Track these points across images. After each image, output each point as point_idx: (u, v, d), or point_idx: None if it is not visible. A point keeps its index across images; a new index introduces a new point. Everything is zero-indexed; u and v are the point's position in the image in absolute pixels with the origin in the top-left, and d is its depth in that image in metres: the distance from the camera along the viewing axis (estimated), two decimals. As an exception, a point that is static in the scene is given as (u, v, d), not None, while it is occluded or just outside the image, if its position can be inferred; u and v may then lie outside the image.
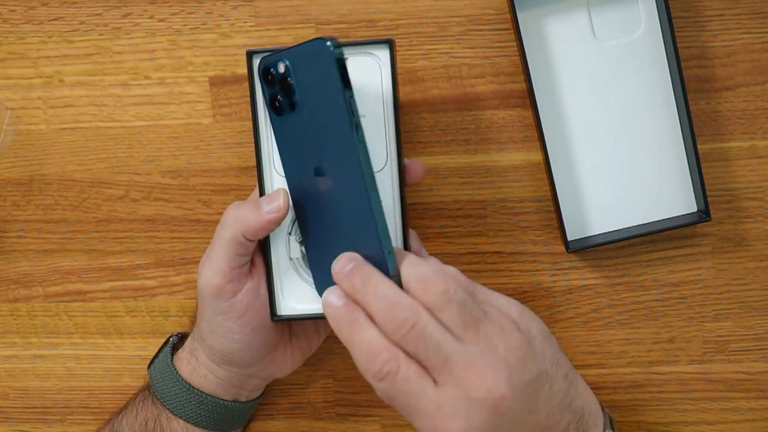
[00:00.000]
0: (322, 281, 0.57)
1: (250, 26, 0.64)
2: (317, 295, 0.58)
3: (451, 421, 0.51)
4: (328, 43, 0.52)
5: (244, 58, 0.64)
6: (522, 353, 0.53)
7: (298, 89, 0.54)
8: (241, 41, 0.65)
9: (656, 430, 0.68)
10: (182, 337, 0.66)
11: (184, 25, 0.65)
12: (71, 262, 0.68)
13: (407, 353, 0.52)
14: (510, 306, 0.55)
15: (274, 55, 0.55)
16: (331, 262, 0.55)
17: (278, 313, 0.60)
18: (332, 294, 0.54)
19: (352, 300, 0.54)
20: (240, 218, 0.57)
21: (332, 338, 0.68)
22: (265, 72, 0.56)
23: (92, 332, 0.68)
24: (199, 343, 0.62)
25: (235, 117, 0.66)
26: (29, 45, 0.65)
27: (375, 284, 0.53)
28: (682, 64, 0.62)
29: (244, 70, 0.64)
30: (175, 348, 0.64)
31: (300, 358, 0.64)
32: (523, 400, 0.52)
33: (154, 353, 0.66)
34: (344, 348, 0.68)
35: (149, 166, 0.66)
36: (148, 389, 0.64)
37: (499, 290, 0.56)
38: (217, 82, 0.65)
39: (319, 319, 0.58)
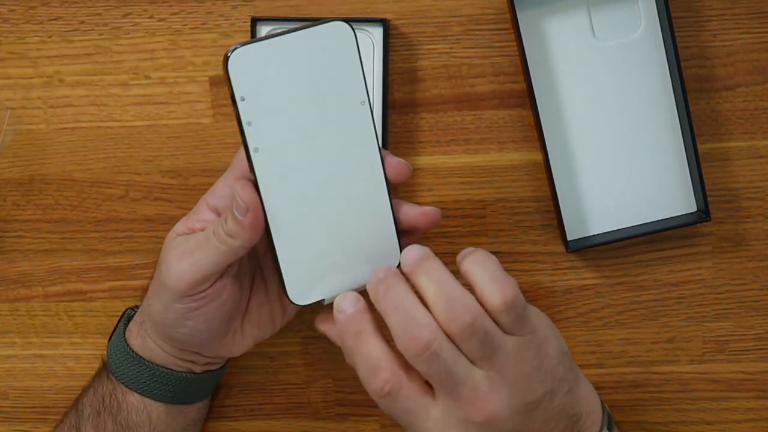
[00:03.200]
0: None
1: (250, 26, 0.64)
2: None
3: None
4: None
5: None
6: (531, 377, 0.52)
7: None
8: (241, 41, 0.64)
9: (656, 430, 0.68)
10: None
11: (184, 25, 0.65)
12: (71, 262, 0.68)
13: (414, 369, 0.52)
14: (538, 322, 0.54)
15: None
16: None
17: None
18: (344, 300, 0.53)
19: (372, 308, 0.52)
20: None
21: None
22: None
23: (92, 332, 0.68)
24: (147, 317, 0.60)
25: (235, 117, 0.65)
26: (29, 45, 0.65)
27: (397, 295, 0.52)
28: (682, 64, 0.62)
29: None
30: (130, 321, 0.63)
31: (250, 345, 0.62)
32: (520, 419, 0.52)
33: None
34: (344, 348, 0.68)
35: (149, 166, 0.66)
36: (104, 365, 0.63)
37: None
38: (217, 82, 0.65)
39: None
